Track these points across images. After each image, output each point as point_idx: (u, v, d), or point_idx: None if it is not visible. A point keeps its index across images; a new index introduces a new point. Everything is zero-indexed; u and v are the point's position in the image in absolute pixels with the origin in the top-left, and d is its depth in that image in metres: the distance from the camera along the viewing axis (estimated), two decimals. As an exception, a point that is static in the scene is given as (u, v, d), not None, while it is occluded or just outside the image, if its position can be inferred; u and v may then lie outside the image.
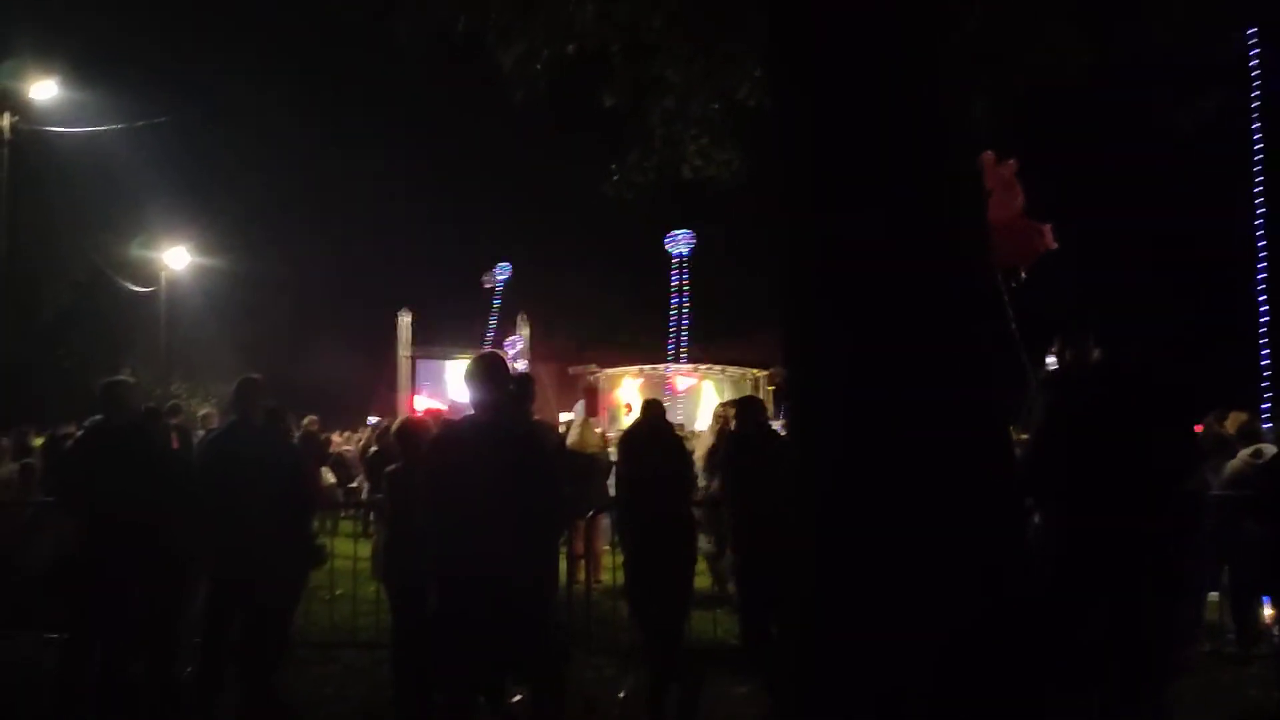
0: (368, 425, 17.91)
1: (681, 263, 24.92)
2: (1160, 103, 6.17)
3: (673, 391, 24.23)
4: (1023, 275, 6.81)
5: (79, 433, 5.95)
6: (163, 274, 25.19)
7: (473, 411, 4.25)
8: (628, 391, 25.99)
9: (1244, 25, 5.69)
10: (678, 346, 25.57)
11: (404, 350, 27.14)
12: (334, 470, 14.54)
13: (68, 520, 5.69)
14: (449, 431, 4.36)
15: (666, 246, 24.79)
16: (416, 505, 4.23)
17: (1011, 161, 7.01)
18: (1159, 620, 4.40)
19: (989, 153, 6.98)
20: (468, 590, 3.81)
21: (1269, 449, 6.34)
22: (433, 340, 28.25)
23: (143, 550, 5.16)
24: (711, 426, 9.70)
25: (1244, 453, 6.55)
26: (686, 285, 24.91)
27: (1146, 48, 5.77)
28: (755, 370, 25.24)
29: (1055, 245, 7.22)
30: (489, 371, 4.14)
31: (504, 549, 3.77)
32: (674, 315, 25.09)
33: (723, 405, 10.23)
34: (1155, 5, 5.40)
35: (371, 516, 11.07)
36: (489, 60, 6.18)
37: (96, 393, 5.61)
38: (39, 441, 10.84)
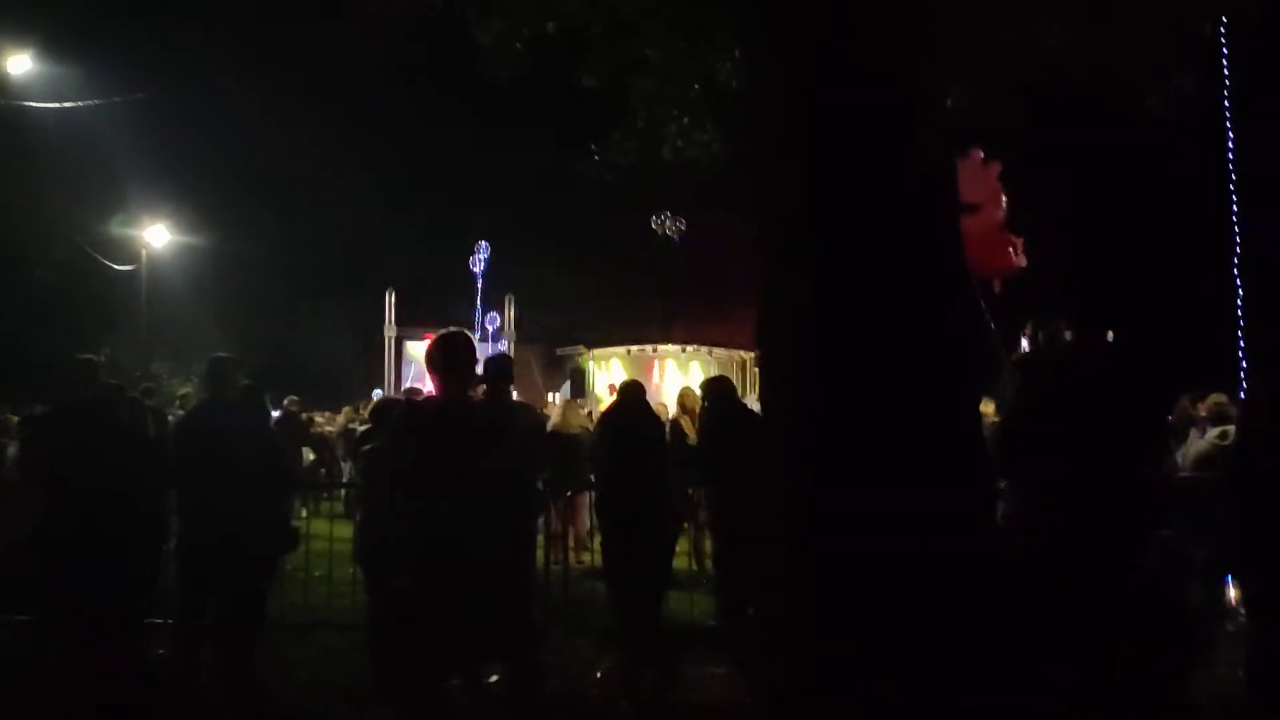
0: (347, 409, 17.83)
1: (670, 244, 24.92)
2: (1135, 84, 6.12)
3: (648, 373, 24.28)
4: (996, 288, 6.65)
5: (47, 410, 5.90)
6: (144, 252, 24.96)
7: (434, 391, 4.21)
8: (617, 373, 26.02)
9: (1216, 13, 5.68)
10: (661, 326, 25.62)
11: (389, 330, 27.05)
12: (316, 450, 14.51)
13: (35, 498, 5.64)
14: (409, 410, 4.33)
15: (655, 226, 24.80)
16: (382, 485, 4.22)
17: (995, 164, 6.83)
18: (1143, 603, 4.46)
19: (977, 150, 6.83)
20: (434, 571, 3.80)
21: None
22: (419, 320, 28.16)
23: (108, 529, 5.11)
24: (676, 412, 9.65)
25: (1211, 434, 6.58)
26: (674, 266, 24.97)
27: (1122, 30, 5.75)
28: (742, 352, 25.28)
29: (1023, 263, 7.03)
30: (447, 350, 4.11)
31: (466, 529, 3.75)
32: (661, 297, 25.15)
33: (686, 390, 10.20)
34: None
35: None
36: (474, 39, 6.15)
37: (65, 371, 5.57)
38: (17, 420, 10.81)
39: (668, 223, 24.43)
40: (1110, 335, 5.98)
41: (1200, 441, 6.70)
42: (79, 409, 5.39)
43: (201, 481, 5.42)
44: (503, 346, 27.94)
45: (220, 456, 5.37)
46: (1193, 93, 5.90)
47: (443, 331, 4.29)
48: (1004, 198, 6.79)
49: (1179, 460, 6.80)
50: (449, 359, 4.06)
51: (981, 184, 6.62)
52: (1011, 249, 6.74)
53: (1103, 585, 4.08)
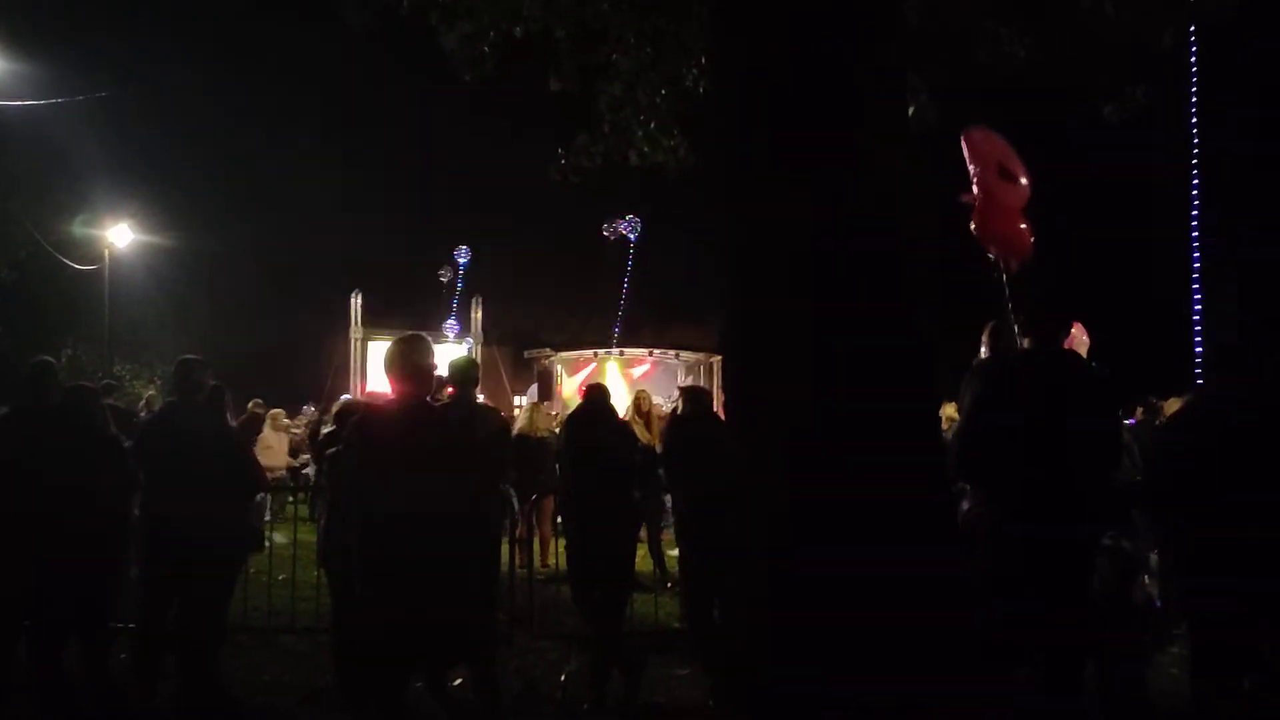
0: (302, 412, 17.68)
1: (627, 247, 24.96)
2: (1090, 94, 6.18)
3: (628, 378, 24.29)
4: (1011, 269, 6.58)
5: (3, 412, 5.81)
6: (106, 251, 24.61)
7: (394, 394, 4.20)
8: (584, 375, 26.04)
9: (1178, 22, 5.78)
10: (625, 330, 25.66)
11: (355, 332, 26.89)
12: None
13: None
14: (370, 415, 4.32)
15: (606, 232, 24.82)
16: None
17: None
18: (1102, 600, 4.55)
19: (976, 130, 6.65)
20: (396, 576, 3.80)
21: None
22: (385, 323, 27.99)
23: (70, 530, 5.05)
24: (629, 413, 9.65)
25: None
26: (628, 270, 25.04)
27: (1080, 41, 5.85)
28: (712, 355, 25.37)
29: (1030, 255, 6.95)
30: (406, 354, 4.11)
31: (427, 533, 3.76)
32: (621, 300, 25.19)
33: (640, 393, 10.22)
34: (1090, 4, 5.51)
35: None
36: (439, 43, 6.15)
37: (22, 374, 5.50)
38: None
39: (622, 227, 24.44)
40: (1084, 334, 6.00)
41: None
42: (41, 413, 5.33)
43: (166, 484, 5.38)
44: (466, 348, 27.92)
45: (186, 459, 5.33)
46: (1147, 102, 6.01)
47: (400, 336, 4.29)
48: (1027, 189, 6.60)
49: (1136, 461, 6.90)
50: (406, 364, 4.07)
51: (1013, 161, 6.50)
52: (1029, 236, 6.61)
53: (1059, 587, 4.16)
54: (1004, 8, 5.61)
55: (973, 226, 6.29)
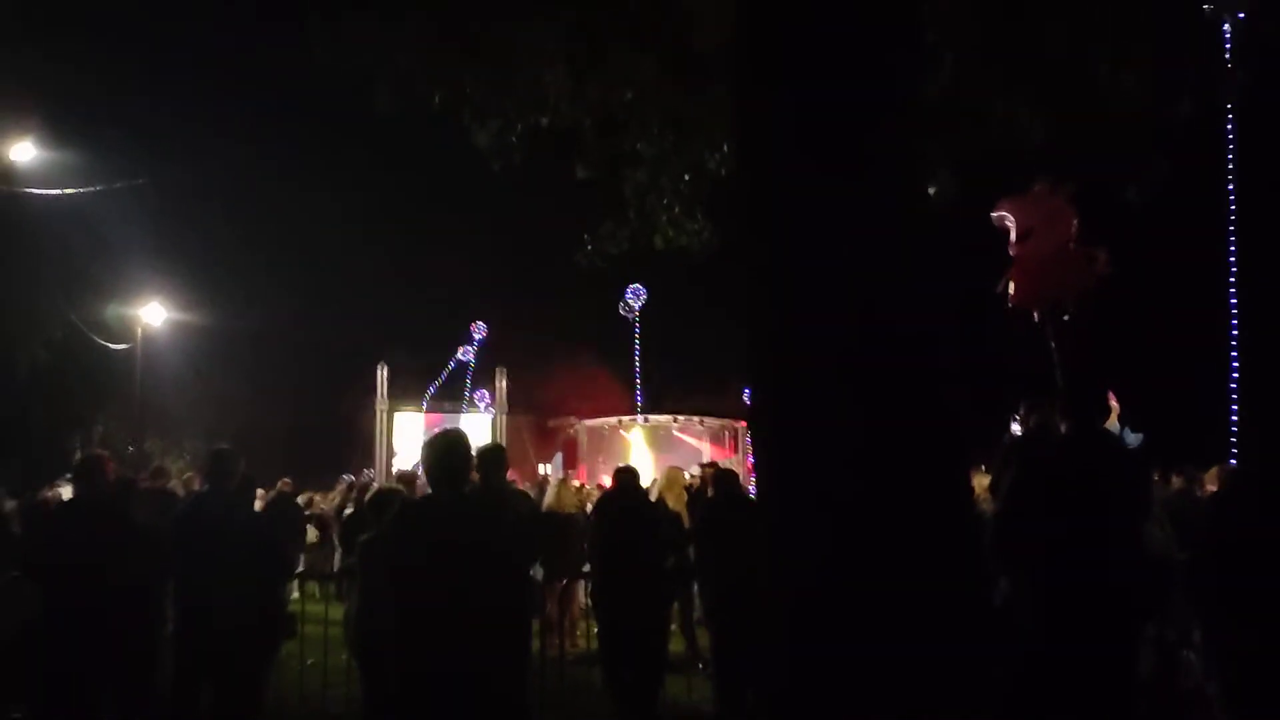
0: (341, 481, 17.71)
1: (634, 318, 25.00)
2: (1112, 175, 6.28)
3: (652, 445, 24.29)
4: (1070, 310, 6.66)
5: (52, 506, 5.92)
6: (139, 330, 25.05)
7: (430, 490, 4.22)
8: (608, 443, 26.05)
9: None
10: (648, 397, 25.65)
11: (381, 404, 27.08)
12: (320, 530, 14.42)
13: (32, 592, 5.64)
14: (407, 511, 4.32)
15: (623, 312, 24.92)
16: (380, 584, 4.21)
17: (1067, 187, 6.77)
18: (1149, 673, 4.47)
19: (1041, 184, 6.84)
20: (430, 670, 3.79)
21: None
22: (410, 395, 28.19)
23: (109, 623, 5.11)
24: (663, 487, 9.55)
25: None
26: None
27: (1098, 122, 5.93)
28: (736, 420, 25.28)
29: (1108, 270, 6.88)
30: (449, 453, 4.14)
31: (465, 636, 3.75)
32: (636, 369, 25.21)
33: (673, 469, 10.15)
34: (1107, 80, 5.58)
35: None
36: (470, 138, 6.31)
37: (74, 465, 5.62)
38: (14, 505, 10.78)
39: (628, 296, 24.55)
40: (1113, 400, 5.97)
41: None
42: (88, 507, 5.44)
43: (200, 572, 5.44)
44: (493, 417, 28.02)
45: (219, 548, 5.39)
46: (1168, 180, 6.06)
47: (436, 434, 4.31)
48: (1073, 212, 6.69)
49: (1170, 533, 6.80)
50: (444, 466, 4.07)
51: (1037, 209, 6.65)
52: (1091, 260, 6.66)
53: (1104, 678, 4.10)
54: (1019, 88, 5.70)
55: (1010, 303, 6.41)
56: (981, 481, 6.33)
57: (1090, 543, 4.07)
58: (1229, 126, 7.93)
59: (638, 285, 24.55)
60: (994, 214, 6.86)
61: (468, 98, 5.96)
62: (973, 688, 3.31)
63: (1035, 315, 6.64)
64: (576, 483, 15.32)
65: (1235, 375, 9.28)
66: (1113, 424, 5.99)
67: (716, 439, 26.18)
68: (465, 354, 28.22)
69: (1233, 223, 8.85)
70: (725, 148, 6.27)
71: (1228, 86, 6.48)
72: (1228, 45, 6.90)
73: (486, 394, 28.15)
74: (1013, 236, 6.80)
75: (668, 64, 6.06)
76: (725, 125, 6.16)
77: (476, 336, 27.33)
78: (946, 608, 3.39)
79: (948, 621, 3.32)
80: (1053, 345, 6.24)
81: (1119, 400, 6.41)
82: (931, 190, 5.85)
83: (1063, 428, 4.57)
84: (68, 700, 5.17)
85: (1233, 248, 9.15)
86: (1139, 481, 4.31)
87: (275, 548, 5.99)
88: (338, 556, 12.34)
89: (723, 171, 6.56)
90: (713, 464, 8.48)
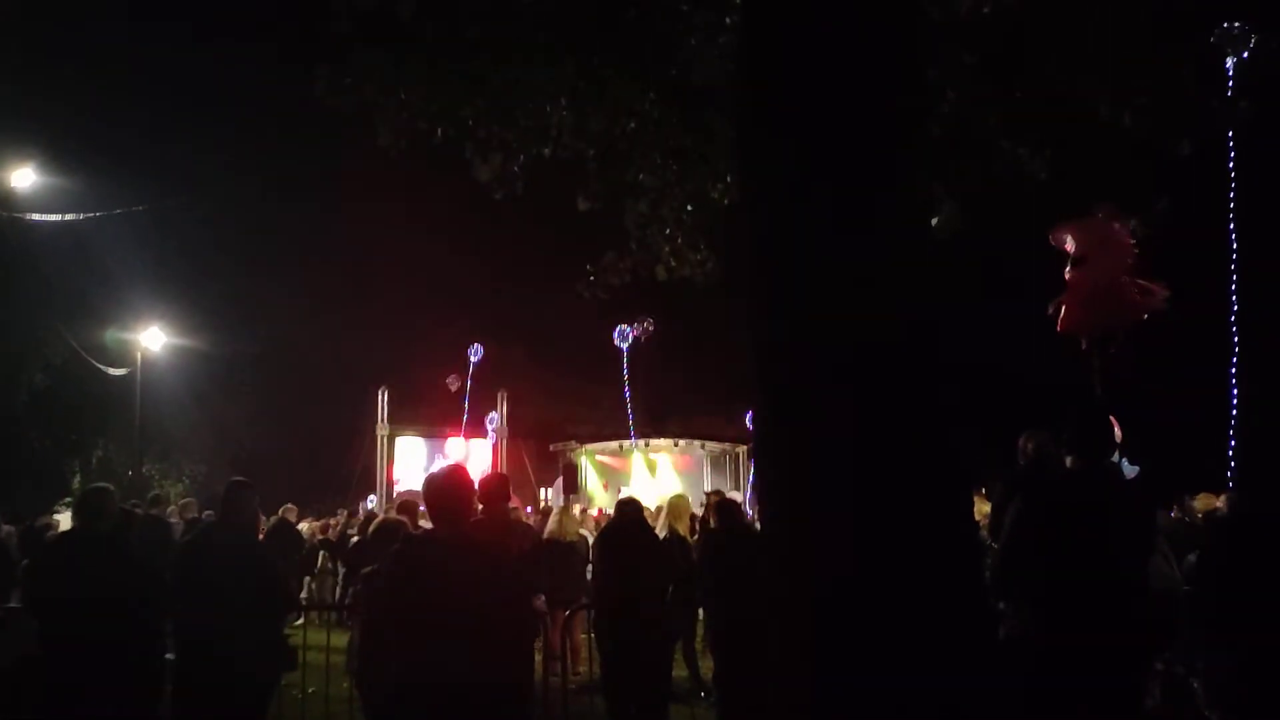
0: (338, 515, 17.66)
1: (627, 352, 24.92)
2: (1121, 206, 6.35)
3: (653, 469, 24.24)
4: (1119, 338, 6.70)
5: (51, 535, 5.91)
6: (138, 355, 25.08)
7: (433, 526, 4.21)
8: (609, 468, 26.00)
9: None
10: (648, 421, 25.56)
11: (381, 429, 27.06)
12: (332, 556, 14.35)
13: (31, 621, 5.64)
14: (410, 549, 4.32)
15: (617, 341, 24.85)
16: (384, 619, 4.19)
17: (1131, 221, 6.76)
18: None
19: (1105, 208, 6.87)
20: (436, 709, 3.78)
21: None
22: (411, 418, 28.16)
23: (105, 662, 5.10)
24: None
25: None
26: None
27: (1100, 158, 5.98)
28: (737, 445, 25.25)
29: (1164, 305, 6.91)
30: (449, 490, 4.13)
31: (468, 669, 3.74)
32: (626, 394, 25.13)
33: (678, 496, 10.11)
34: (1108, 116, 5.62)
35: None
36: (471, 170, 6.34)
37: (76, 498, 5.62)
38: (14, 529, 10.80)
39: (634, 330, 24.50)
40: (1116, 427, 5.98)
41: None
42: (89, 542, 5.43)
43: (201, 607, 5.43)
44: (492, 440, 27.97)
45: (223, 582, 5.39)
46: (1171, 212, 6.10)
47: (436, 472, 4.31)
48: (1129, 247, 6.73)
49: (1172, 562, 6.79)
50: (445, 504, 4.08)
51: (1094, 236, 6.67)
52: (1146, 292, 6.69)
53: (1106, 707, 4.09)
54: (1020, 128, 5.74)
55: (1059, 327, 6.45)
56: (981, 508, 6.33)
57: (1096, 577, 4.07)
58: (1230, 159, 8.02)
59: (625, 327, 24.47)
60: (1052, 234, 6.95)
61: (470, 132, 5.99)
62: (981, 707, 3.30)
63: (1083, 342, 6.71)
64: (578, 509, 15.32)
65: (1235, 405, 9.31)
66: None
67: (718, 464, 26.17)
68: (453, 384, 27.98)
69: (1234, 251, 8.92)
70: (728, 178, 6.29)
71: (1229, 118, 6.52)
72: (1230, 80, 6.98)
73: (496, 417, 28.05)
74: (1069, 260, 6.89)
75: (669, 96, 6.11)
76: (727, 156, 6.19)
77: (473, 358, 27.25)
78: (957, 638, 3.39)
79: (958, 652, 3.32)
80: (1095, 371, 6.29)
81: (1121, 429, 6.42)
82: (935, 221, 5.88)
83: (1067, 461, 4.56)
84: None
85: (1234, 277, 9.22)
86: (1143, 515, 4.31)
87: (279, 582, 5.98)
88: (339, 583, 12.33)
89: (725, 202, 6.58)
90: (717, 492, 8.44)
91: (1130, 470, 6.78)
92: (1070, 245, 6.91)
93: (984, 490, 7.30)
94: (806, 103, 3.48)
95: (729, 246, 6.62)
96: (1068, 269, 6.93)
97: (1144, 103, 5.55)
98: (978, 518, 5.36)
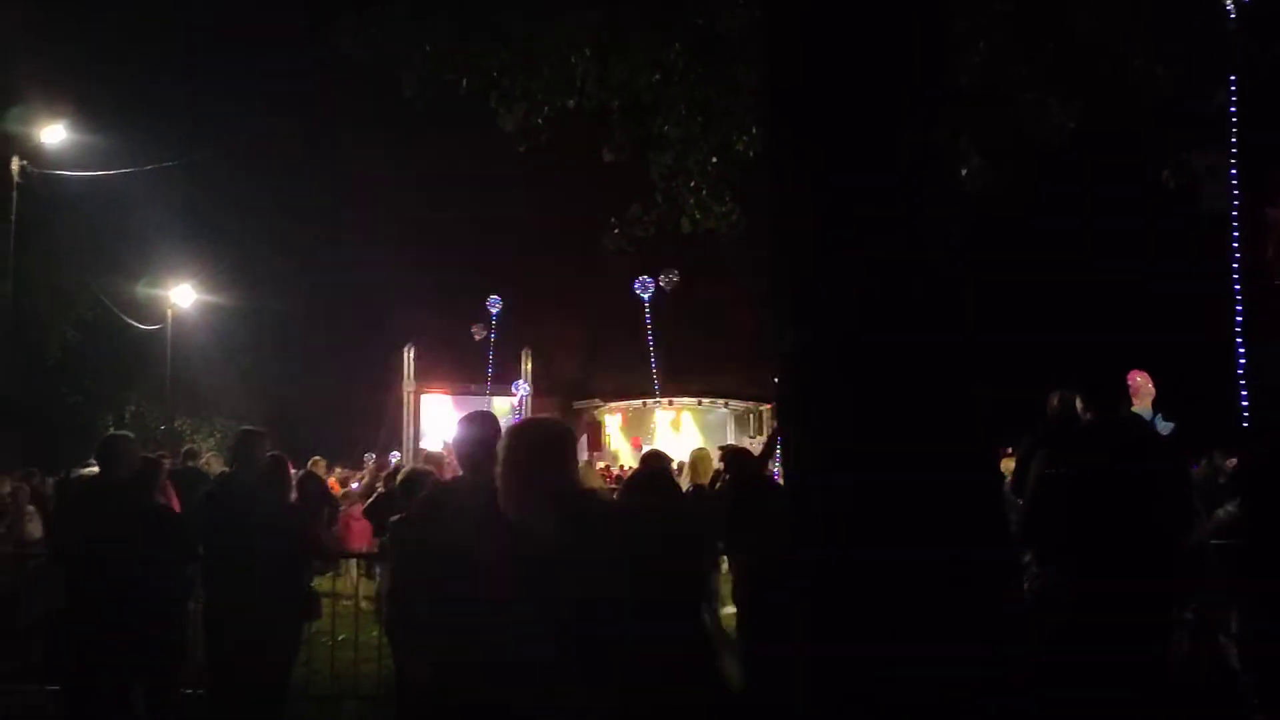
0: (366, 461, 17.85)
1: (645, 307, 24.85)
2: (1148, 159, 6.19)
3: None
4: None
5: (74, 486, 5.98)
6: (169, 311, 25.36)
7: (463, 474, 4.10)
8: (632, 426, 26.07)
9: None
10: (672, 378, 25.58)
11: (408, 385, 27.28)
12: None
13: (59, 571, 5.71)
14: (439, 497, 4.20)
15: (638, 290, 24.80)
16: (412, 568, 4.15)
17: None
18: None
19: None
20: (461, 659, 3.77)
21: None
22: (437, 376, 28.36)
23: (137, 604, 5.19)
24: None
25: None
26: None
27: (1130, 108, 5.87)
28: (761, 404, 25.26)
29: None
30: (479, 437, 3.94)
31: (489, 617, 3.68)
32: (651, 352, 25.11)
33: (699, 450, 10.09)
34: (1138, 69, 5.52)
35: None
36: (496, 121, 6.31)
37: (96, 447, 5.65)
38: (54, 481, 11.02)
39: (656, 281, 24.33)
40: (1149, 384, 5.90)
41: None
42: (108, 489, 5.46)
43: (226, 558, 5.52)
44: (521, 399, 28.11)
45: (243, 530, 5.45)
46: (1204, 166, 6.00)
47: (468, 415, 4.20)
48: None
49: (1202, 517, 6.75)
50: (474, 451, 3.99)
51: None
52: None
53: (1136, 656, 4.08)
54: (1050, 80, 5.64)
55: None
56: (1006, 465, 6.30)
57: (1117, 526, 4.07)
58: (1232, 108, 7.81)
59: (646, 278, 24.35)
60: None
61: (495, 82, 5.97)
62: (1004, 683, 3.30)
63: None
64: (601, 464, 15.46)
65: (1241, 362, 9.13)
66: (1145, 409, 5.93)
67: (741, 422, 26.21)
68: (479, 333, 27.92)
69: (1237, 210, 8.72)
70: (753, 130, 6.24)
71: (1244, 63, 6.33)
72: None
73: (520, 382, 28.14)
74: None
75: (694, 47, 6.05)
76: (752, 107, 6.14)
77: (493, 310, 27.17)
78: (980, 599, 3.38)
79: (978, 612, 3.31)
80: None
81: (1155, 385, 6.32)
82: (964, 172, 5.82)
83: (1085, 415, 4.56)
84: (97, 684, 5.24)
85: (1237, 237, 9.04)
86: (1170, 467, 4.29)
87: (299, 530, 6.03)
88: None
89: (750, 154, 6.53)
90: (728, 447, 8.40)
91: (1165, 427, 6.72)
92: None
93: (1010, 450, 7.27)
94: (830, 53, 3.43)
95: (754, 198, 6.58)
96: None
97: (1178, 50, 5.44)
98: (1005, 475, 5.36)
